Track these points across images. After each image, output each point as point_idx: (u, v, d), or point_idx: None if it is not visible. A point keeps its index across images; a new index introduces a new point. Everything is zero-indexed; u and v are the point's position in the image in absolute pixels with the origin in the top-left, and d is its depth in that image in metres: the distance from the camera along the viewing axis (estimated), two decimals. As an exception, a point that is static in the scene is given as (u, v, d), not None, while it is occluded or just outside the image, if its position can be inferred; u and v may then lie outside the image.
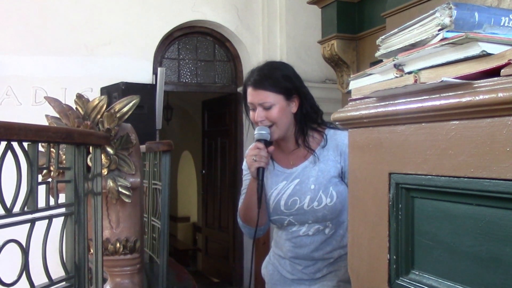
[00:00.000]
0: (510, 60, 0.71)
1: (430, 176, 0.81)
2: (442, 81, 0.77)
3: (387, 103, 0.91)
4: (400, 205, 0.89)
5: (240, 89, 5.55)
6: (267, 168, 1.69)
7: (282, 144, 1.78)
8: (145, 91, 4.54)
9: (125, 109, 1.61)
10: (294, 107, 1.71)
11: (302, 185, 1.70)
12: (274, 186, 1.75)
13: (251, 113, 1.72)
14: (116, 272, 1.71)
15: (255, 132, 1.69)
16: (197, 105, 7.06)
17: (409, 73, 0.87)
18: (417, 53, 0.86)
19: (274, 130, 1.68)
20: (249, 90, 1.70)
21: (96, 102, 1.57)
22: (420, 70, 0.85)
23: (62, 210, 1.12)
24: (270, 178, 1.77)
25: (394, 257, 0.89)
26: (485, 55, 0.76)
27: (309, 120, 1.74)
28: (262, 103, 1.67)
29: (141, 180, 1.71)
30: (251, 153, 1.66)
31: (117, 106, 1.60)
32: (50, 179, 1.23)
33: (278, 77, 1.69)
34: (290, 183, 1.73)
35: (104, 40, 4.94)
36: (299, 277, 1.76)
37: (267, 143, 1.67)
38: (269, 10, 5.28)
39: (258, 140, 1.66)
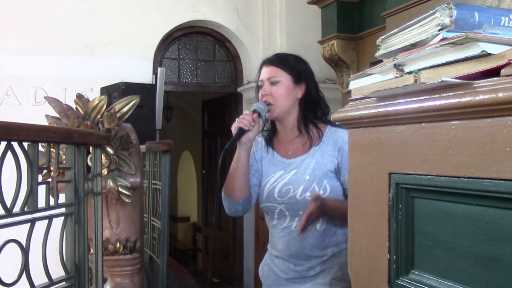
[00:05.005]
0: (510, 60, 0.71)
1: (430, 176, 0.81)
2: (442, 81, 0.77)
3: (387, 103, 0.91)
4: (400, 205, 0.89)
5: (240, 89, 5.57)
6: (249, 131, 1.68)
7: (283, 132, 1.82)
8: (145, 91, 4.53)
9: (125, 109, 1.61)
10: (300, 93, 1.77)
11: (298, 175, 1.73)
12: (271, 174, 1.79)
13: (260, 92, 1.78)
14: (116, 272, 1.71)
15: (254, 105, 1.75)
16: (197, 105, 7.05)
17: (409, 73, 0.87)
18: (417, 53, 0.86)
19: (274, 108, 1.74)
20: (263, 69, 1.79)
21: (96, 102, 1.57)
22: (420, 70, 0.85)
23: (62, 210, 1.11)
24: (269, 166, 1.81)
25: (394, 257, 0.89)
26: (485, 55, 0.76)
27: (312, 111, 1.78)
28: (270, 78, 1.75)
29: (141, 180, 1.71)
30: (240, 117, 1.71)
31: (117, 106, 1.60)
32: (50, 179, 1.23)
33: (291, 59, 1.80)
34: (287, 173, 1.76)
35: (104, 40, 4.94)
36: (293, 276, 1.77)
37: (258, 115, 1.71)
38: (269, 10, 5.28)
39: (253, 111, 1.72)
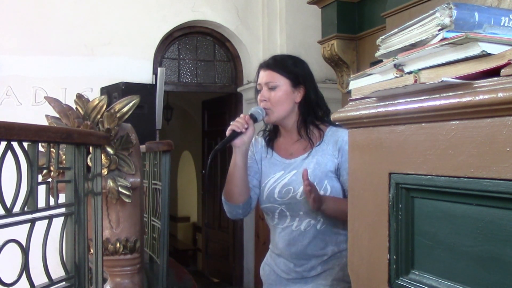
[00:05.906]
0: (510, 60, 0.71)
1: (430, 176, 0.81)
2: (442, 81, 0.77)
3: (387, 103, 0.91)
4: (400, 205, 0.89)
5: (240, 89, 5.57)
6: (243, 133, 1.68)
7: (284, 134, 1.82)
8: (145, 91, 4.53)
9: (125, 109, 1.60)
10: (298, 96, 1.76)
11: (298, 175, 1.73)
12: (271, 175, 1.79)
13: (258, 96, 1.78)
14: (116, 272, 1.71)
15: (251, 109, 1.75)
16: (197, 105, 7.05)
17: (409, 73, 0.87)
18: (417, 53, 0.86)
19: (272, 112, 1.74)
20: (261, 73, 1.78)
21: (96, 102, 1.57)
22: (420, 70, 0.85)
23: (62, 210, 1.11)
24: (268, 167, 1.81)
25: (394, 257, 0.89)
26: (485, 55, 0.76)
27: (312, 113, 1.78)
28: (268, 82, 1.74)
29: (141, 180, 1.71)
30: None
31: (117, 106, 1.60)
32: (50, 179, 1.23)
33: (289, 63, 1.78)
34: (288, 174, 1.75)
35: (104, 40, 4.94)
36: (293, 276, 1.77)
37: (254, 119, 1.71)
38: (269, 10, 5.28)
39: (250, 115, 1.72)
